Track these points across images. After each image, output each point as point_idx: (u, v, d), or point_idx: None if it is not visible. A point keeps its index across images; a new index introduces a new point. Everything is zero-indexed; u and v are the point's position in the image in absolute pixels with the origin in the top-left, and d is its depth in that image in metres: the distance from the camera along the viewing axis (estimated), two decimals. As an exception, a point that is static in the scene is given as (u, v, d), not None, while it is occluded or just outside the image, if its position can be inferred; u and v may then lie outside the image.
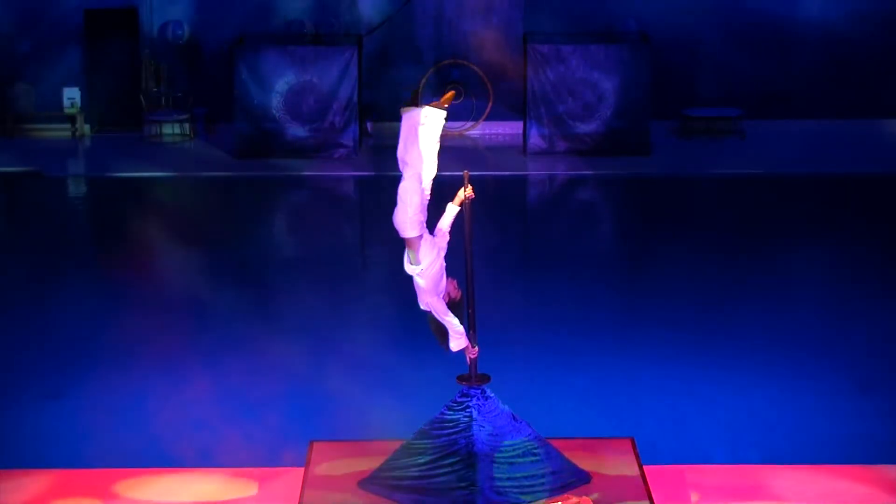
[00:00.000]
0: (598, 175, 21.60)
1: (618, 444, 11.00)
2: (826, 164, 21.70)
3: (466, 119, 23.32)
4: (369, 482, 10.32)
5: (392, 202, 9.80)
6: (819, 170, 21.46)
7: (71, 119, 23.48)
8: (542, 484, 10.06)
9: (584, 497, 9.98)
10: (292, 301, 15.95)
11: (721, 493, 10.75)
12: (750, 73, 23.68)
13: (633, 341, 14.37)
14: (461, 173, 9.91)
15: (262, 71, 22.39)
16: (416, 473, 10.08)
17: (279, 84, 22.40)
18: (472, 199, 9.98)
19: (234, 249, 17.98)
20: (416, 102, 9.97)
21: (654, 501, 10.19)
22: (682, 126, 23.31)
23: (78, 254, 18.28)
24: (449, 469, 9.99)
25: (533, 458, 10.12)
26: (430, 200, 9.86)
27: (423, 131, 9.82)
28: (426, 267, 9.82)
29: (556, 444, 10.40)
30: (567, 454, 10.38)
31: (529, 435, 10.19)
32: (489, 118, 23.60)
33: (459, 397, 10.15)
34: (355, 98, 22.38)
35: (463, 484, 9.91)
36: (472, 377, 10.19)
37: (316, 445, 11.00)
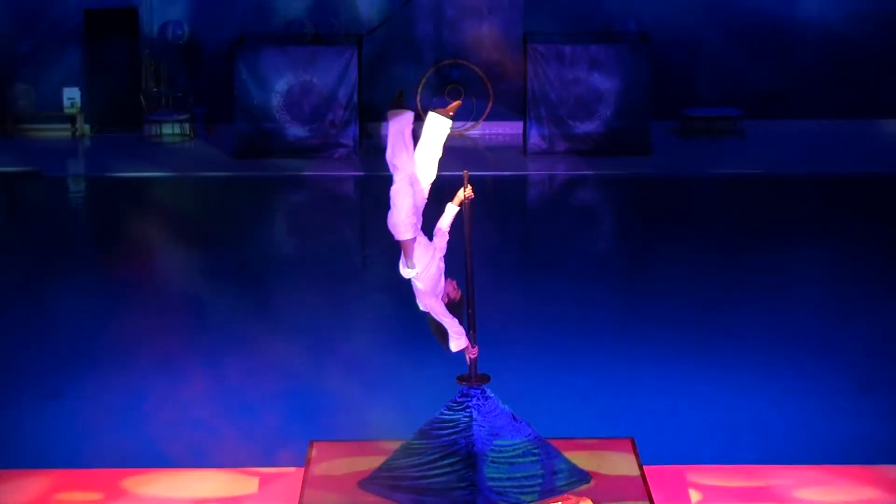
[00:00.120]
0: (598, 175, 21.59)
1: (618, 444, 10.97)
2: (826, 164, 21.69)
3: (466, 119, 23.31)
4: (369, 482, 10.30)
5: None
6: (819, 170, 21.45)
7: (71, 119, 23.47)
8: (542, 484, 10.04)
9: (584, 497, 9.97)
10: (292, 301, 15.94)
11: (721, 493, 10.75)
12: (750, 73, 23.67)
13: (633, 341, 14.35)
14: (461, 173, 9.89)
15: (261, 71, 22.39)
16: (416, 473, 10.07)
17: (279, 84, 22.39)
18: (472, 199, 9.96)
19: (234, 249, 17.97)
20: (402, 104, 9.92)
21: (654, 501, 10.17)
22: (682, 126, 23.29)
23: (78, 254, 18.26)
24: (449, 469, 9.98)
25: (533, 458, 10.11)
26: (429, 201, 9.85)
27: (427, 137, 9.83)
28: (421, 270, 9.79)
29: (556, 444, 10.38)
30: (567, 454, 10.36)
31: (529, 435, 10.18)
32: (489, 118, 23.59)
33: (459, 397, 10.14)
34: (355, 98, 22.37)
35: (463, 484, 9.90)
36: (471, 377, 10.17)
37: (316, 445, 10.98)
